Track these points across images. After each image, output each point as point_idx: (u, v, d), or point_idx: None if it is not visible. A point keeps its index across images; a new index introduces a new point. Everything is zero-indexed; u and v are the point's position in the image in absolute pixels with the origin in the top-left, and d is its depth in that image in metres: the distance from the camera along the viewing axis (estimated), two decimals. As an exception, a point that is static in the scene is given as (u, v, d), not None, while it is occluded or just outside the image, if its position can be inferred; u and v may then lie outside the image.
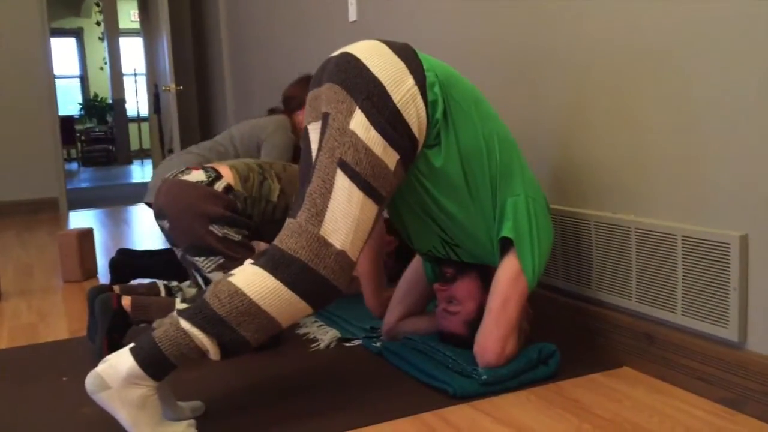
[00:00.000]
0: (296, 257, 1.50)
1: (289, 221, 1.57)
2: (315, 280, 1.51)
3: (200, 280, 2.17)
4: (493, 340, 1.72)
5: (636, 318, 1.84)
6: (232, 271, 1.56)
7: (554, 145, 2.08)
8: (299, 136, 3.22)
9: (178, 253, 2.25)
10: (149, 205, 3.10)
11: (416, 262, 2.09)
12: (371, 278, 2.18)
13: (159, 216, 2.19)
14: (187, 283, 2.41)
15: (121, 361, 1.48)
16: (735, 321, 1.55)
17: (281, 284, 1.50)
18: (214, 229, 2.11)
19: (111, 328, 2.11)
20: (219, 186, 2.15)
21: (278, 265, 1.50)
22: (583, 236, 1.98)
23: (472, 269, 1.86)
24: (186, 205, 2.11)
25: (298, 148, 3.26)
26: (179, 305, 2.18)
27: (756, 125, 1.49)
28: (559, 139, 2.06)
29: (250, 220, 2.19)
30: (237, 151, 3.14)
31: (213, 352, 1.51)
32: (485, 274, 1.85)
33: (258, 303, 1.49)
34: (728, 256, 1.55)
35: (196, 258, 2.12)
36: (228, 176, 2.19)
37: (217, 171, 2.20)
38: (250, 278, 1.50)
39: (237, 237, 2.14)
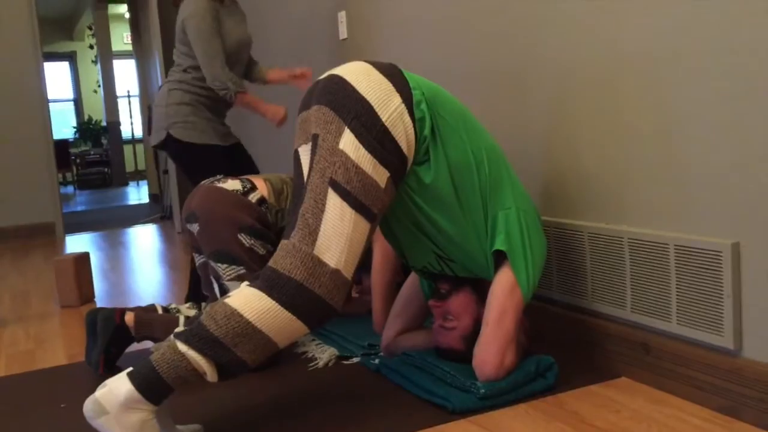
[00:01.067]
0: (291, 277, 1.51)
1: (282, 242, 1.58)
2: (310, 299, 1.52)
3: (216, 289, 2.20)
4: (492, 353, 1.72)
5: (632, 328, 1.84)
6: (229, 294, 1.57)
7: (544, 158, 2.09)
8: None
9: (199, 260, 2.29)
10: (157, 147, 3.10)
11: (413, 277, 2.09)
12: (383, 295, 2.19)
13: (189, 219, 2.23)
14: (187, 305, 2.41)
15: (119, 386, 1.49)
16: (730, 328, 1.56)
17: (277, 304, 1.51)
18: (242, 238, 2.15)
19: (110, 342, 2.12)
20: (253, 197, 2.21)
21: (273, 286, 1.51)
22: (576, 247, 1.99)
23: (466, 284, 1.87)
24: (217, 211, 2.16)
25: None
26: (181, 326, 2.19)
27: (745, 133, 1.50)
28: (548, 152, 2.07)
29: (278, 237, 2.22)
30: (181, 48, 3.03)
31: (210, 373, 1.51)
32: (480, 288, 1.86)
33: (254, 323, 1.50)
34: (721, 264, 1.56)
35: (219, 264, 2.16)
36: (262, 188, 2.25)
37: (252, 182, 2.26)
38: (246, 299, 1.51)
39: (262, 251, 2.18)
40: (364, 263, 2.51)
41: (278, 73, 3.25)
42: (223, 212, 2.15)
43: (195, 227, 2.21)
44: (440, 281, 1.91)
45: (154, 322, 2.19)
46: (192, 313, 2.38)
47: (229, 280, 2.15)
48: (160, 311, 2.37)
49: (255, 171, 3.21)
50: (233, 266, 2.15)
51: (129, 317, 2.17)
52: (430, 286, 2.03)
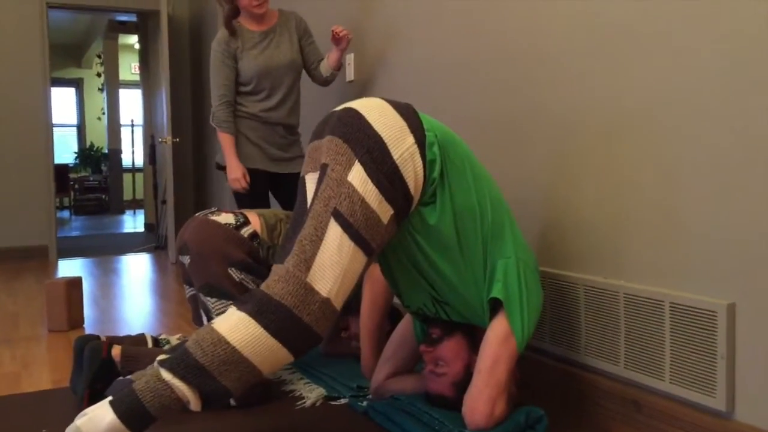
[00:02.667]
0: (281, 303, 1.50)
1: (276, 267, 1.57)
2: (298, 328, 1.51)
3: (205, 321, 2.19)
4: (482, 401, 1.70)
5: (624, 384, 1.83)
6: (216, 319, 1.55)
7: (544, 209, 2.10)
8: (251, 13, 3.09)
9: (189, 292, 2.29)
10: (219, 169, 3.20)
11: (406, 321, 2.08)
12: (371, 340, 2.17)
13: (182, 251, 2.23)
14: (178, 336, 2.39)
15: (100, 414, 1.46)
16: (722, 390, 1.55)
17: (264, 331, 1.50)
18: (233, 272, 2.14)
19: (96, 377, 2.09)
20: (245, 232, 2.21)
21: (263, 311, 1.50)
22: (572, 300, 1.99)
23: (458, 330, 1.86)
24: (209, 245, 2.15)
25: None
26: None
27: (745, 194, 1.51)
28: (548, 203, 2.08)
29: (269, 271, 2.22)
30: None
31: (194, 402, 1.49)
32: (472, 335, 1.85)
33: (240, 351, 1.48)
34: (716, 324, 1.56)
35: (208, 298, 2.15)
36: (255, 224, 2.25)
37: (246, 217, 2.26)
38: (234, 325, 1.50)
39: (252, 286, 2.17)
40: (353, 309, 2.49)
41: (332, 55, 3.17)
42: (215, 246, 2.15)
43: (186, 259, 2.20)
44: (432, 326, 1.90)
45: (141, 356, 2.16)
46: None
47: (218, 314, 2.13)
48: (149, 341, 2.34)
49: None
50: (222, 300, 2.13)
51: (116, 351, 2.14)
52: (422, 330, 2.02)
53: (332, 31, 3.05)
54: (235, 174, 3.09)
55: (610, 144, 1.85)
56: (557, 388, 2.04)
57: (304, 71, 3.31)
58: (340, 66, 3.20)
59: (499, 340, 1.72)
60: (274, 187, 3.30)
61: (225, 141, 3.12)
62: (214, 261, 2.13)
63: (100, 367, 2.10)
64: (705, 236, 1.60)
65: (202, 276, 2.15)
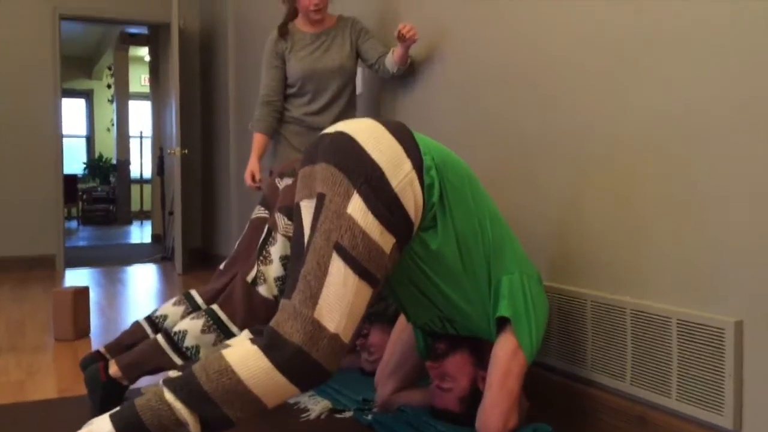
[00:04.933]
0: (290, 341, 1.49)
1: (283, 302, 1.56)
2: (307, 364, 1.49)
3: (263, 236, 2.22)
4: (496, 415, 1.69)
5: (630, 400, 1.82)
6: (228, 343, 1.55)
7: (552, 224, 2.10)
8: (308, 16, 3.06)
9: (260, 214, 2.36)
10: None
11: (408, 335, 2.07)
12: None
13: (284, 174, 2.32)
14: (172, 301, 2.35)
15: (100, 427, 1.47)
16: (730, 408, 1.54)
17: (273, 366, 1.48)
18: None
19: (104, 403, 2.11)
20: None
21: (273, 347, 1.49)
22: (578, 315, 1.98)
23: (463, 344, 1.85)
24: None
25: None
26: (161, 340, 2.13)
27: (752, 212, 1.51)
28: (556, 218, 2.08)
29: None
30: None
31: (193, 425, 1.49)
32: (478, 349, 1.84)
33: (246, 382, 1.48)
34: (723, 341, 1.55)
35: (284, 218, 2.19)
36: None
37: None
38: (243, 356, 1.49)
39: None
40: (378, 318, 2.47)
41: (398, 51, 2.88)
42: None
43: (287, 181, 2.27)
44: (437, 341, 1.89)
45: (139, 360, 2.14)
46: (178, 312, 2.29)
47: (282, 234, 2.17)
48: (146, 327, 2.31)
49: None
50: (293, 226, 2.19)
51: (113, 369, 2.15)
52: (425, 341, 2.01)
53: (399, 30, 2.79)
54: (246, 171, 3.12)
55: (618, 159, 1.85)
56: (562, 404, 2.03)
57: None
58: (406, 61, 2.92)
59: (508, 355, 1.72)
60: None
61: (254, 139, 3.15)
62: None
63: (104, 392, 2.12)
64: (713, 253, 1.60)
65: (293, 198, 2.20)
